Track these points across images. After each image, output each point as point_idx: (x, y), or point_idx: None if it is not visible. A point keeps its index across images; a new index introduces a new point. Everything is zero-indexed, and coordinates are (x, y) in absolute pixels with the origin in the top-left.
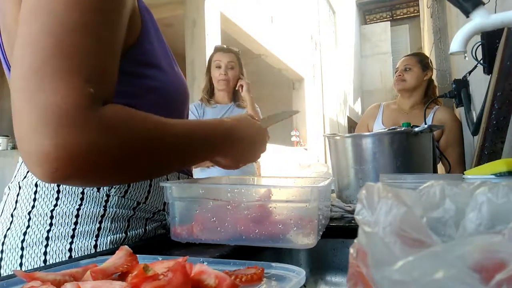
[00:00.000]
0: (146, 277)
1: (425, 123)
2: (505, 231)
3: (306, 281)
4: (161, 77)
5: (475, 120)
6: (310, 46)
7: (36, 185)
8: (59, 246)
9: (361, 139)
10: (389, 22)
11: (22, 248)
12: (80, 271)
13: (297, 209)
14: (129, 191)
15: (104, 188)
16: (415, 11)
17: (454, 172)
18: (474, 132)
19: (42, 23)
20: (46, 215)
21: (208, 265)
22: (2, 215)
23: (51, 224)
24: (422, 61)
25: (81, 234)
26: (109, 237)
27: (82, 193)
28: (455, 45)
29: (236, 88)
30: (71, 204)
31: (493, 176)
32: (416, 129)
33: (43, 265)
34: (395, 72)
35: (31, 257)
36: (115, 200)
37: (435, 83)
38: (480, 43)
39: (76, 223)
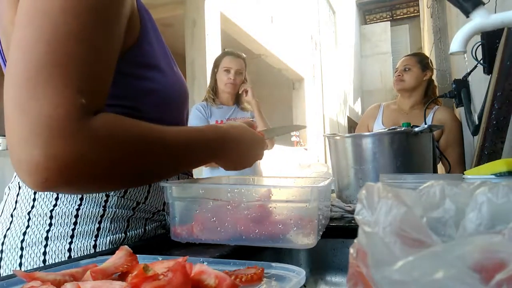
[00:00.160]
0: (146, 277)
1: (425, 123)
2: (505, 231)
3: (306, 281)
4: (160, 78)
5: (475, 120)
6: (310, 46)
7: None
8: (58, 246)
9: (361, 139)
10: (389, 22)
11: (22, 248)
12: (80, 271)
13: (297, 209)
14: (128, 191)
15: None
16: (415, 11)
17: (454, 172)
18: (474, 132)
19: (37, 28)
20: (46, 215)
21: (208, 265)
22: (2, 215)
23: (50, 224)
24: (421, 61)
25: (80, 234)
26: (108, 237)
27: None
28: (455, 45)
29: (240, 93)
30: (70, 204)
31: (493, 176)
32: (416, 129)
33: (43, 265)
34: (395, 72)
35: (30, 257)
36: (114, 200)
37: (435, 83)
38: (480, 43)
39: (75, 223)
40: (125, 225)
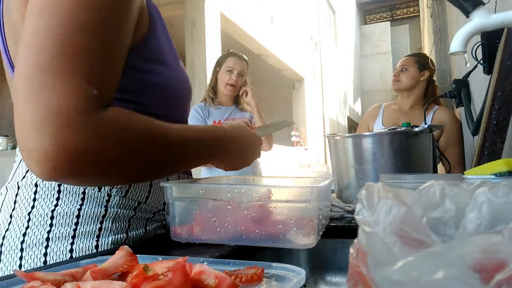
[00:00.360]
0: (146, 277)
1: (425, 123)
2: (505, 231)
3: (306, 281)
4: (166, 73)
5: (475, 120)
6: (310, 46)
7: (36, 185)
8: (59, 247)
9: (361, 139)
10: (389, 22)
11: (22, 250)
12: (80, 271)
13: (297, 209)
14: (130, 191)
15: (105, 188)
16: (415, 11)
17: (454, 172)
18: (474, 132)
19: (48, 22)
20: (47, 215)
21: (208, 265)
22: (0, 216)
23: (51, 225)
24: (419, 61)
25: (82, 234)
26: (110, 238)
27: (83, 193)
28: (455, 45)
29: (240, 94)
30: (72, 204)
31: (493, 176)
32: (416, 129)
33: (43, 265)
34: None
35: (30, 258)
36: (116, 200)
37: (436, 83)
38: (480, 43)
39: (77, 224)
40: (127, 225)
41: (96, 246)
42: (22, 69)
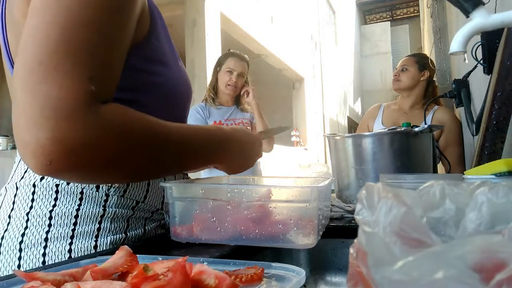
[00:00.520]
0: (146, 277)
1: (425, 123)
2: (505, 231)
3: (306, 281)
4: (166, 73)
5: (475, 120)
6: (310, 46)
7: (34, 185)
8: (58, 247)
9: (361, 139)
10: (389, 22)
11: (20, 250)
12: (80, 271)
13: (297, 209)
14: (128, 191)
15: (103, 187)
16: (415, 11)
17: (454, 172)
18: (474, 132)
19: (51, 16)
20: (45, 215)
21: (208, 265)
22: None
23: (50, 225)
24: (419, 61)
25: (80, 234)
26: (109, 238)
27: (81, 193)
28: (455, 45)
29: (241, 94)
30: (70, 204)
31: (493, 176)
32: (416, 129)
33: (42, 266)
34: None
35: (29, 258)
36: (114, 200)
37: (436, 83)
38: (480, 43)
39: (75, 224)
40: (125, 225)
41: (95, 246)
42: (22, 61)
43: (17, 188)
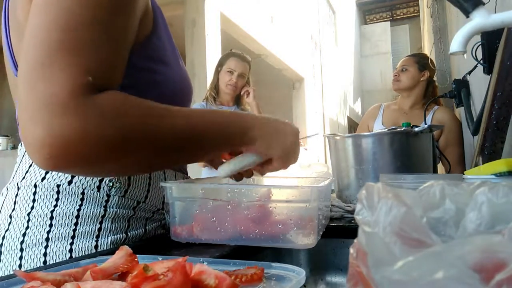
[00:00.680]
0: (146, 277)
1: (425, 123)
2: (505, 231)
3: (306, 281)
4: (167, 72)
5: (475, 120)
6: (310, 46)
7: (35, 185)
8: (59, 247)
9: (361, 139)
10: (389, 22)
11: (21, 250)
12: (80, 271)
13: (297, 209)
14: (129, 191)
15: (104, 188)
16: (415, 11)
17: (454, 172)
18: (474, 132)
19: (51, 15)
20: (46, 215)
21: (208, 265)
22: (0, 216)
23: (51, 225)
24: (419, 61)
25: (81, 234)
26: (109, 238)
27: (82, 193)
28: (455, 45)
29: (242, 94)
30: (71, 204)
31: (493, 176)
32: (416, 129)
33: (43, 266)
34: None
35: (30, 258)
36: (115, 200)
37: (436, 83)
38: (480, 43)
39: (76, 224)
40: (126, 225)
41: (96, 246)
42: (24, 60)
43: (18, 188)
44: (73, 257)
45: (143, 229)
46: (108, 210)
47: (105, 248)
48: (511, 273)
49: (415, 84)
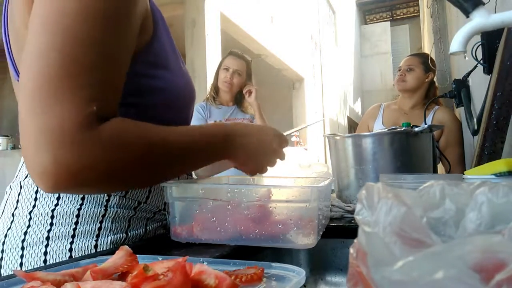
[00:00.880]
0: (146, 277)
1: (425, 123)
2: (505, 231)
3: (306, 281)
4: (169, 77)
5: (475, 120)
6: (310, 46)
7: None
8: (59, 246)
9: (361, 139)
10: (389, 22)
11: (23, 248)
12: (80, 271)
13: (297, 209)
14: (130, 191)
15: None
16: (415, 11)
17: (454, 172)
18: (474, 132)
19: (49, 37)
20: (47, 214)
21: (208, 265)
22: (3, 215)
23: (51, 224)
24: (425, 62)
25: (81, 234)
26: (109, 237)
27: None
28: (455, 45)
29: (244, 92)
30: (72, 204)
31: (493, 176)
32: (416, 129)
33: (43, 265)
34: (398, 71)
35: (31, 257)
36: (116, 200)
37: (436, 84)
38: (480, 43)
39: (76, 223)
40: (126, 225)
41: (95, 246)
42: (24, 85)
43: (21, 187)
44: (73, 256)
45: (143, 229)
46: (109, 209)
47: (104, 248)
48: (511, 273)
49: (420, 86)
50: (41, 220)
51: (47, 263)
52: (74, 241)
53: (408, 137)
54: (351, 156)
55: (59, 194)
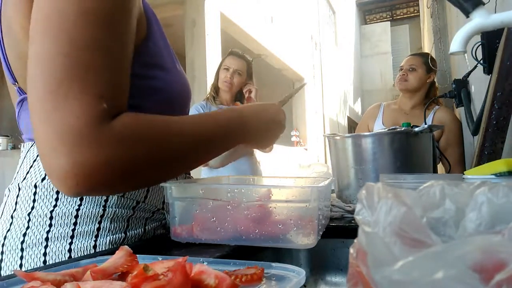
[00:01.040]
0: (146, 277)
1: (425, 123)
2: (505, 231)
3: (306, 281)
4: (164, 77)
5: (475, 120)
6: (310, 46)
7: (35, 186)
8: (58, 247)
9: (361, 139)
10: (389, 22)
11: (22, 249)
12: (80, 271)
13: (297, 209)
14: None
15: None
16: (415, 11)
17: (454, 172)
18: (474, 132)
19: (53, 41)
20: (46, 216)
21: (208, 265)
22: (2, 217)
23: (50, 225)
24: (427, 62)
25: (80, 234)
26: (108, 237)
27: None
28: (455, 45)
29: (244, 91)
30: (70, 204)
31: (493, 176)
32: (416, 129)
33: (43, 265)
34: (400, 70)
35: (30, 258)
36: (114, 200)
37: (437, 84)
38: (480, 43)
39: (75, 224)
40: (125, 225)
41: (94, 246)
42: (34, 90)
43: (19, 189)
44: (72, 257)
45: (142, 229)
46: (107, 209)
47: (103, 248)
48: (511, 273)
49: (421, 86)
50: (40, 221)
51: (47, 264)
52: (73, 241)
53: (408, 137)
54: (351, 156)
55: (57, 195)
